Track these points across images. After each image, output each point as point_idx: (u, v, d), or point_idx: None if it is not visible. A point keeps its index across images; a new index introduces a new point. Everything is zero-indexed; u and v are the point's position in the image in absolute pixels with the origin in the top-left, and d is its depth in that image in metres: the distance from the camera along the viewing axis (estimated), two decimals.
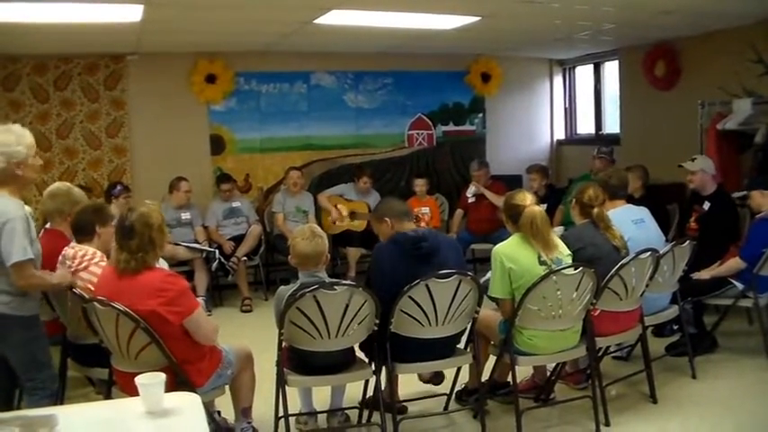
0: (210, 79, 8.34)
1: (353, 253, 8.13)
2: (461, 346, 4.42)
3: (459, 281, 4.00)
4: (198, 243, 7.62)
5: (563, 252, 4.30)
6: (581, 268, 4.16)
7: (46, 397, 3.87)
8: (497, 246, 4.31)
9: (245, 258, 7.76)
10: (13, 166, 3.72)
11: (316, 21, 6.36)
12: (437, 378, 4.80)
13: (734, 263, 5.36)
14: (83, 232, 4.32)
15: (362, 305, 3.89)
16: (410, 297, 3.93)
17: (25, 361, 3.84)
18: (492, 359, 4.57)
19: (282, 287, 4.08)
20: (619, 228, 4.72)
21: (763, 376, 5.16)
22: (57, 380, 4.08)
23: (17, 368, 3.86)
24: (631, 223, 4.97)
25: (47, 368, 3.93)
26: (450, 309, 4.03)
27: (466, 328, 4.30)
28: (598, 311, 4.46)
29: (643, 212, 5.16)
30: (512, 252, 4.23)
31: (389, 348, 4.05)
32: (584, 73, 10.01)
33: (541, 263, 4.17)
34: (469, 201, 8.35)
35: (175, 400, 2.53)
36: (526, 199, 4.31)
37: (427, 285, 3.93)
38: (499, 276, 4.22)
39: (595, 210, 4.67)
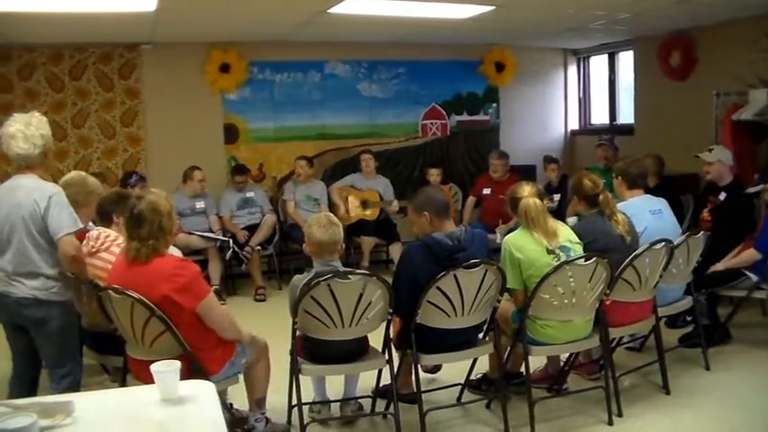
0: (224, 69, 8.35)
1: (367, 242, 8.13)
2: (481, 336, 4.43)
3: (486, 270, 4.01)
4: (212, 232, 7.64)
5: (569, 239, 4.30)
6: (594, 258, 4.15)
7: (74, 385, 3.92)
8: (507, 236, 4.35)
9: (258, 247, 7.77)
10: (47, 151, 3.88)
11: (330, 10, 6.36)
12: (436, 368, 4.87)
13: (749, 254, 5.33)
14: (103, 218, 4.40)
15: (376, 294, 3.90)
16: (438, 288, 3.94)
17: (60, 348, 3.89)
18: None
19: (297, 276, 4.09)
20: (634, 217, 4.71)
21: None
22: (82, 367, 4.12)
23: (50, 355, 3.89)
24: (649, 213, 4.95)
25: (77, 355, 3.97)
26: (476, 298, 4.04)
27: (487, 319, 4.30)
28: (611, 302, 4.45)
29: (661, 203, 5.14)
30: (519, 242, 4.26)
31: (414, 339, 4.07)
32: (598, 63, 9.96)
33: (549, 252, 4.19)
34: (498, 242, 8.13)
35: (190, 388, 2.53)
36: (524, 191, 4.34)
37: (455, 275, 3.94)
38: (510, 267, 4.24)
39: (601, 197, 4.65)
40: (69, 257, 3.78)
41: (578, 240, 4.37)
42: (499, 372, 4.45)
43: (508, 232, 7.78)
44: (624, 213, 4.69)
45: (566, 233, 4.36)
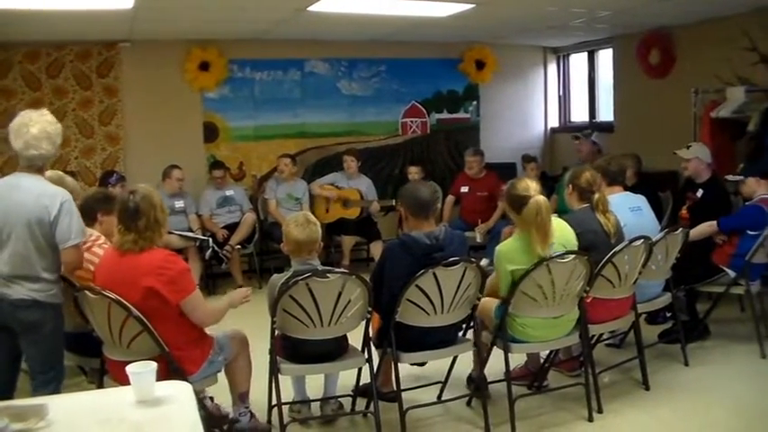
0: (204, 67, 8.30)
1: (348, 241, 8.12)
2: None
3: (465, 268, 4.00)
4: (191, 231, 7.60)
5: (563, 242, 4.25)
6: (575, 256, 4.15)
7: (57, 389, 3.84)
8: (499, 246, 4.29)
9: (238, 246, 7.74)
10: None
11: (310, 8, 6.32)
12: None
13: (707, 226, 5.42)
14: (87, 216, 4.31)
15: (355, 293, 3.88)
16: (417, 286, 3.92)
17: (49, 352, 3.80)
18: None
19: (275, 275, 4.07)
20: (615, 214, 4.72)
21: (754, 363, 5.18)
22: (65, 371, 4.05)
23: (38, 359, 3.78)
24: (628, 210, 4.96)
25: (63, 359, 3.92)
26: (455, 296, 4.03)
27: (467, 317, 4.29)
28: (591, 299, 4.45)
29: (640, 200, 5.16)
30: (512, 254, 4.19)
31: (394, 338, 4.05)
32: (578, 61, 9.99)
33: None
34: (478, 240, 8.16)
35: (167, 389, 2.51)
36: (530, 188, 4.22)
37: (434, 273, 3.92)
38: (502, 276, 4.22)
39: (596, 195, 4.63)
40: (72, 267, 3.76)
41: (574, 241, 4.33)
42: (480, 369, 4.44)
43: (488, 231, 7.93)
44: (615, 214, 4.69)
45: (561, 234, 4.28)
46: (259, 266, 8.21)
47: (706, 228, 5.44)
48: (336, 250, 8.23)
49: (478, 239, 8.01)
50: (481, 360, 4.42)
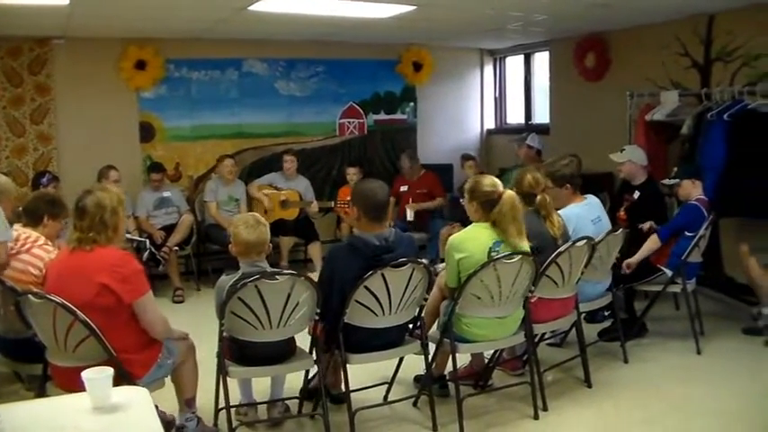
0: (140, 65, 8.13)
1: (286, 242, 8.05)
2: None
3: (413, 269, 4.01)
4: (128, 233, 7.43)
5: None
6: (520, 256, 4.19)
7: None
8: (452, 236, 4.33)
9: (176, 248, 7.61)
10: None
11: (249, 8, 6.25)
12: None
13: (652, 241, 5.51)
14: (32, 217, 4.33)
15: (304, 295, 3.85)
16: (366, 287, 3.91)
17: None
18: None
19: (223, 277, 4.01)
20: (577, 227, 4.79)
21: (690, 358, 5.34)
22: None
23: None
24: (590, 223, 5.05)
25: None
26: (403, 297, 4.03)
27: (414, 317, 4.29)
28: (536, 298, 4.51)
29: (599, 208, 5.26)
30: (462, 242, 4.23)
31: (342, 339, 4.03)
32: (514, 63, 10.10)
33: (491, 252, 4.17)
34: (408, 219, 8.30)
35: (123, 395, 2.45)
36: (497, 184, 4.26)
37: (383, 274, 3.91)
38: (450, 267, 4.25)
39: (538, 197, 4.67)
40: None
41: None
42: (427, 370, 4.44)
43: (420, 212, 8.01)
44: (560, 215, 4.75)
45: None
46: (197, 268, 8.09)
47: (649, 245, 5.50)
48: (274, 251, 8.13)
49: (409, 217, 8.18)
50: (427, 359, 4.40)
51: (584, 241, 4.62)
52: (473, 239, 4.24)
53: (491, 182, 4.29)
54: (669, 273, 5.47)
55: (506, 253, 4.17)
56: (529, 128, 9.39)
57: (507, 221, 4.18)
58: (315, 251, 8.08)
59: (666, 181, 5.77)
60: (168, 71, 8.35)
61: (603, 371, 5.12)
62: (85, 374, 2.38)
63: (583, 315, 5.17)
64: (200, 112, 8.59)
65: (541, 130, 9.01)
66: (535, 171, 4.89)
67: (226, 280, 3.95)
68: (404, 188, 8.51)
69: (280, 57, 8.89)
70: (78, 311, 3.36)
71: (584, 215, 5.06)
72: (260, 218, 4.07)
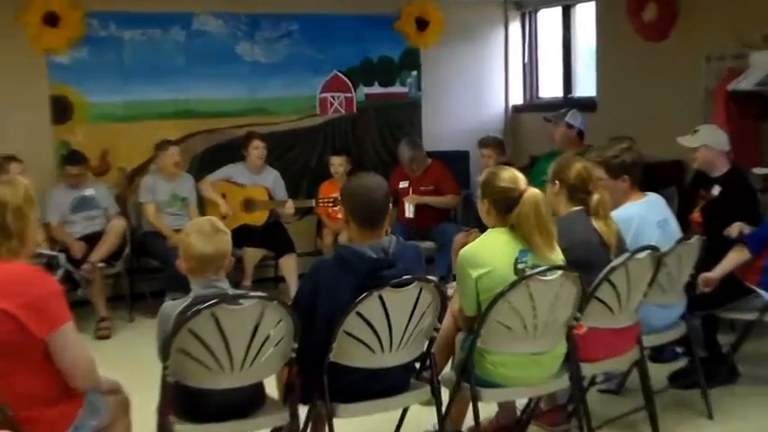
0: (51, 20, 8.09)
1: (251, 255, 8.07)
2: None
3: (421, 289, 3.97)
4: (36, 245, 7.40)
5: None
6: (561, 272, 4.15)
7: None
8: (463, 249, 4.28)
9: (102, 264, 7.57)
10: None
11: None
12: None
13: (738, 252, 5.40)
14: None
15: (277, 325, 3.81)
16: (359, 314, 3.87)
17: None
18: None
19: (168, 303, 3.96)
20: (637, 231, 4.78)
21: None
22: None
23: None
24: (655, 226, 5.02)
25: None
26: (408, 327, 4.00)
27: (422, 354, 4.26)
28: (584, 329, 4.47)
29: (664, 208, 5.23)
30: (478, 254, 4.20)
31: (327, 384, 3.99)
32: (549, 18, 10.15)
33: (517, 264, 4.14)
34: (407, 215, 8.31)
35: None
36: (518, 179, 4.23)
37: (381, 297, 3.87)
38: (466, 289, 4.21)
39: (595, 196, 4.63)
40: None
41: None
42: (439, 424, 4.40)
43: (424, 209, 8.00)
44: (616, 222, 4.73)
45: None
46: (130, 291, 8.09)
47: (735, 257, 5.39)
48: (237, 267, 8.11)
49: (408, 213, 8.29)
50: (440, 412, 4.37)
51: (647, 252, 4.58)
52: (491, 249, 4.21)
53: (511, 176, 4.26)
54: (766, 295, 5.41)
55: (541, 268, 4.13)
56: (568, 102, 9.40)
57: (530, 229, 4.14)
58: (289, 266, 8.10)
59: (758, 170, 5.73)
60: (90, 28, 8.33)
61: (679, 430, 5.06)
62: None
63: (647, 352, 5.14)
64: (135, 85, 8.60)
65: (585, 105, 9.00)
66: (583, 159, 4.86)
67: (171, 306, 3.89)
68: (403, 184, 8.55)
69: (241, 11, 8.93)
70: None
71: (646, 217, 5.03)
72: (218, 223, 4.02)
